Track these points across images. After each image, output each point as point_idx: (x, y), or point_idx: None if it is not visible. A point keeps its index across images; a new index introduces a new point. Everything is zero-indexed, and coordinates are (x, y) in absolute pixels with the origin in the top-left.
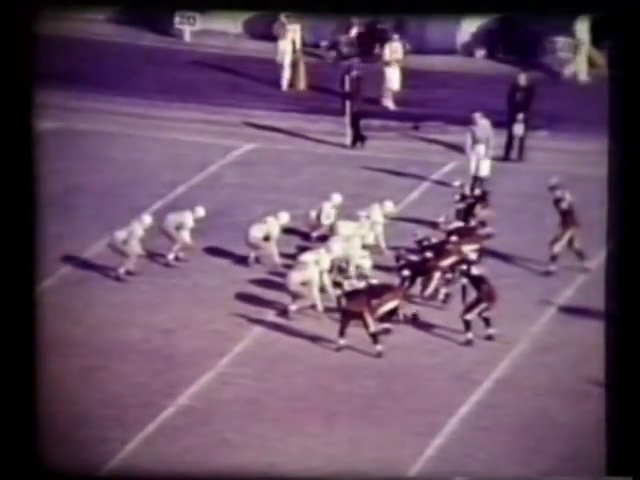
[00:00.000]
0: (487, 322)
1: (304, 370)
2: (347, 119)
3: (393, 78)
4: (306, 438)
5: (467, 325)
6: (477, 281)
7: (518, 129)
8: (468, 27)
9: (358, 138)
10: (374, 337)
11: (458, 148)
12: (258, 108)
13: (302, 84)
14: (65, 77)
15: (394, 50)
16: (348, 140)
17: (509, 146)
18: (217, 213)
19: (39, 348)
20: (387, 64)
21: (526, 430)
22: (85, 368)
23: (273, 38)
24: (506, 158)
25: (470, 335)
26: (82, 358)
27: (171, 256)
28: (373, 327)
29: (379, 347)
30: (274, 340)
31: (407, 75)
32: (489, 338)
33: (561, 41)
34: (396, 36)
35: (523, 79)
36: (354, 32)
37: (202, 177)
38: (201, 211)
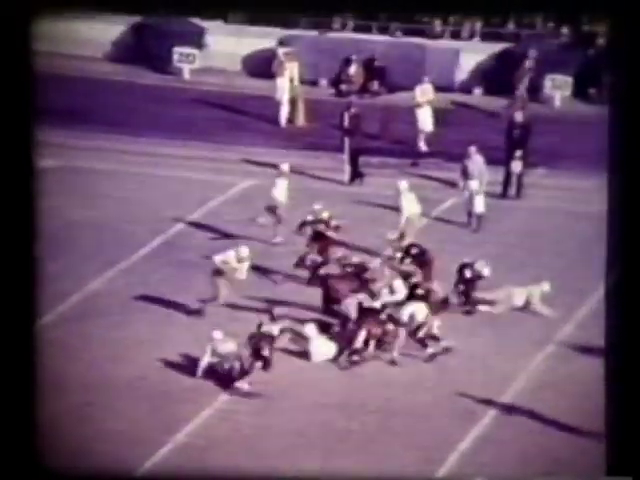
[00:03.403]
0: (435, 338)
1: (302, 407)
2: (346, 156)
3: (426, 119)
4: (305, 475)
5: (422, 343)
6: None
7: (516, 166)
8: (466, 65)
9: (356, 175)
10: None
11: (457, 185)
12: (257, 145)
13: (301, 121)
14: (64, 115)
15: (425, 91)
16: (346, 177)
17: (507, 183)
18: (216, 249)
19: (37, 385)
20: (418, 106)
21: (525, 467)
22: (82, 404)
23: (271, 75)
24: (504, 195)
25: (431, 350)
26: (79, 394)
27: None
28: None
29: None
30: (272, 376)
31: (405, 112)
32: (446, 350)
33: (558, 78)
34: (426, 78)
35: (520, 116)
36: (352, 69)
37: (201, 213)
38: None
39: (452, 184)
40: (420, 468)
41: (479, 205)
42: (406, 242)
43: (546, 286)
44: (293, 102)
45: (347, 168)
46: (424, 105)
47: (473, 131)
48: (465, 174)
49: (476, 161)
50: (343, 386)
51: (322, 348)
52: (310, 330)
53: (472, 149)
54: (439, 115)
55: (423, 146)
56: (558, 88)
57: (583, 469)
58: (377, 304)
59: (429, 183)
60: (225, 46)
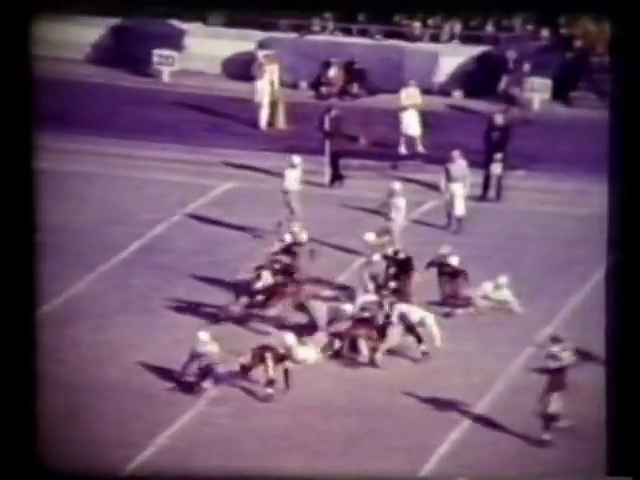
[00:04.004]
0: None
1: (284, 409)
2: (326, 158)
3: (411, 123)
4: (287, 477)
5: (418, 338)
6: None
7: (495, 169)
8: (445, 67)
9: (337, 177)
10: (270, 382)
11: (436, 187)
12: (237, 147)
13: (281, 123)
14: (43, 118)
15: (410, 95)
16: (327, 179)
17: (486, 186)
18: (196, 252)
19: (31, 386)
20: (403, 109)
21: (506, 469)
22: (67, 407)
23: (251, 78)
24: (483, 198)
25: (423, 347)
26: (64, 397)
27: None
28: (272, 372)
29: (270, 390)
30: (254, 379)
31: (385, 115)
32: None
33: (537, 81)
34: (412, 81)
35: (499, 119)
36: (332, 72)
37: (181, 216)
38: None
39: (432, 186)
40: (402, 469)
41: (459, 208)
42: (390, 244)
43: (502, 279)
44: (273, 105)
45: (327, 171)
46: (409, 108)
47: (452, 133)
48: (448, 177)
49: (459, 165)
50: (325, 388)
51: (303, 354)
52: (289, 338)
53: (455, 153)
54: (420, 118)
55: (404, 149)
56: (537, 91)
57: (583, 469)
58: (366, 314)
59: (409, 186)
60: (205, 48)
